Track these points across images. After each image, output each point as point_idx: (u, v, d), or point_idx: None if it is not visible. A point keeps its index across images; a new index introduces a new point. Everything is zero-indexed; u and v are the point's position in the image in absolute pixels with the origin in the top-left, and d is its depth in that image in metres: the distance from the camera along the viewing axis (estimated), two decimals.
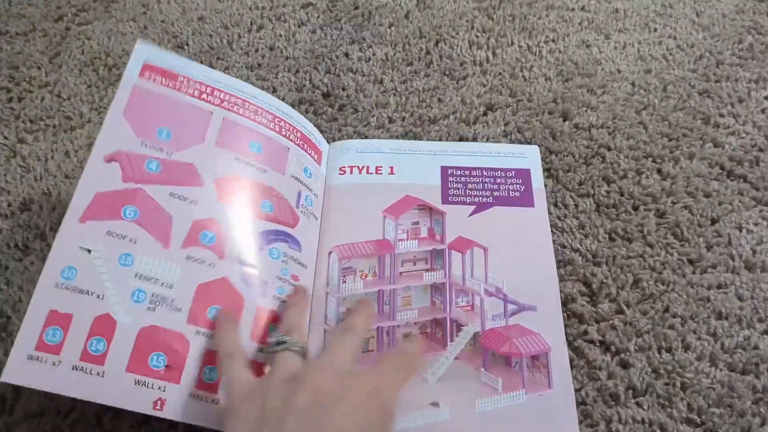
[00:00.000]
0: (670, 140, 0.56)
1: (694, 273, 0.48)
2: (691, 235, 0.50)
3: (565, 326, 0.46)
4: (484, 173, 0.53)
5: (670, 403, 0.42)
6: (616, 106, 0.59)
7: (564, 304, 0.47)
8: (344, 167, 0.53)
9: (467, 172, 0.53)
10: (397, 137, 0.57)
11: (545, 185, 0.53)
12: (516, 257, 0.48)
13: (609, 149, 0.55)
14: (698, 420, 0.41)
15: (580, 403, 0.42)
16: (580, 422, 0.41)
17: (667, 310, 0.46)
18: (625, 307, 0.46)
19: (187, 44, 0.65)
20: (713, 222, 0.51)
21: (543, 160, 0.55)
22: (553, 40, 0.64)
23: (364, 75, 0.62)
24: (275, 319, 0.43)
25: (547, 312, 0.45)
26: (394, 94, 0.61)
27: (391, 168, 0.53)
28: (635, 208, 0.52)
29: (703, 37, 0.64)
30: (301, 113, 0.59)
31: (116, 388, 0.37)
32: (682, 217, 0.51)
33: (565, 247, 0.50)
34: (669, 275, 0.48)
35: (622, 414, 0.42)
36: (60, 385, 0.37)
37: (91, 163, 0.42)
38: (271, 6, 0.68)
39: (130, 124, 0.44)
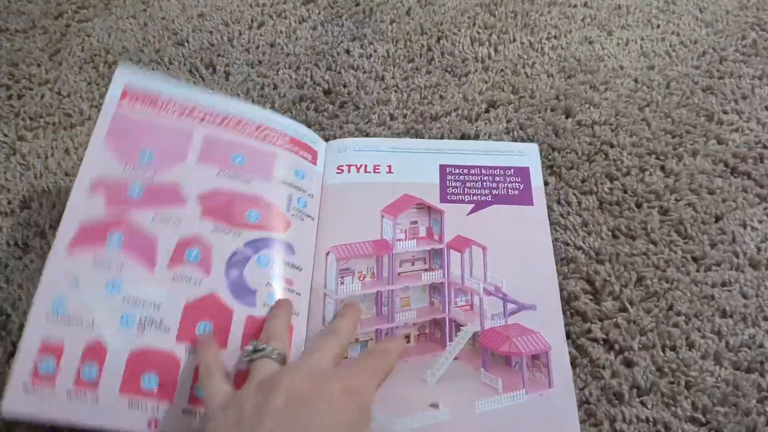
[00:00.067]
0: (673, 137, 0.56)
1: (698, 271, 0.48)
2: (695, 232, 0.49)
3: (568, 324, 0.45)
4: (483, 171, 0.52)
5: (674, 402, 0.42)
6: (618, 102, 0.58)
7: (567, 302, 0.46)
8: (342, 166, 0.53)
9: (466, 171, 0.52)
10: (398, 134, 0.57)
11: (547, 183, 0.53)
12: (515, 256, 0.47)
13: (612, 146, 0.55)
14: (703, 419, 0.41)
15: (584, 402, 0.42)
16: (584, 421, 0.41)
17: (671, 308, 0.46)
18: (628, 305, 0.46)
19: (188, 41, 0.65)
20: (717, 219, 0.50)
21: (545, 157, 0.55)
22: (555, 37, 0.64)
23: (365, 72, 0.62)
24: None
25: (546, 311, 0.45)
26: (396, 91, 0.60)
27: (389, 167, 0.53)
28: (638, 206, 0.51)
29: (706, 34, 0.64)
30: (302, 110, 0.59)
31: (111, 412, 0.38)
32: (685, 214, 0.50)
33: (568, 244, 0.49)
34: (673, 273, 0.47)
35: (626, 413, 0.41)
36: (57, 414, 0.38)
37: (75, 194, 0.43)
38: (271, 3, 0.68)
39: (111, 151, 0.45)
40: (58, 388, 0.38)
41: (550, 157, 0.55)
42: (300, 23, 0.66)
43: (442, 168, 0.53)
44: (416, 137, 0.56)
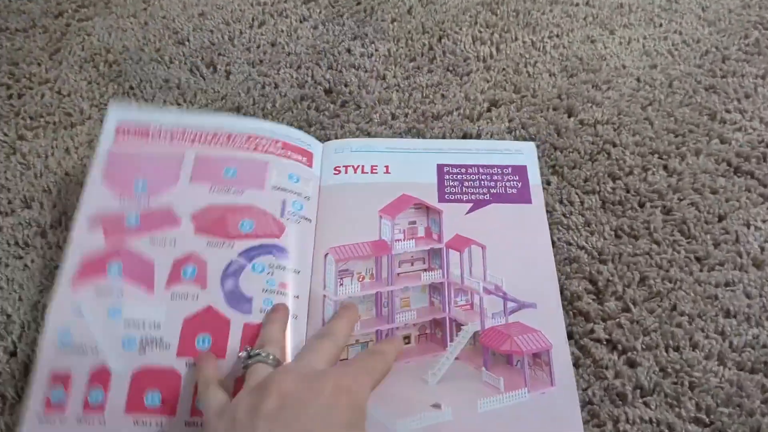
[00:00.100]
0: (676, 136, 0.55)
1: (701, 271, 0.47)
2: (698, 232, 0.49)
3: (571, 324, 0.45)
4: (481, 170, 0.52)
5: (678, 403, 0.41)
6: (621, 101, 0.58)
7: (570, 302, 0.46)
8: (339, 167, 0.52)
9: (463, 170, 0.52)
10: (400, 134, 0.57)
11: (550, 182, 0.53)
12: (514, 254, 0.47)
13: (614, 145, 0.55)
14: (707, 420, 0.41)
15: (587, 402, 0.42)
16: (587, 422, 0.41)
17: (674, 308, 0.46)
18: (631, 305, 0.46)
19: (188, 40, 0.64)
20: (720, 219, 0.50)
21: (548, 156, 0.54)
22: (557, 36, 0.64)
23: (366, 71, 0.62)
24: None
25: (547, 309, 0.45)
26: (397, 90, 0.60)
27: (387, 167, 0.52)
28: (641, 205, 0.51)
29: (708, 33, 0.63)
30: (303, 110, 0.58)
31: None
32: (688, 214, 0.50)
33: (570, 244, 0.49)
34: (676, 273, 0.47)
35: (630, 414, 0.41)
36: None
37: (76, 230, 0.46)
38: (272, 1, 0.68)
39: (108, 188, 0.48)
40: (68, 415, 0.40)
41: (552, 156, 0.54)
42: (301, 22, 0.66)
43: (440, 167, 0.52)
44: (418, 137, 0.56)
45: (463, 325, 0.45)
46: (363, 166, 0.52)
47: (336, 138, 0.56)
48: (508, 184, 0.51)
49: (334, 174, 0.52)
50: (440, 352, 0.44)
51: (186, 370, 0.41)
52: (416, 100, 0.59)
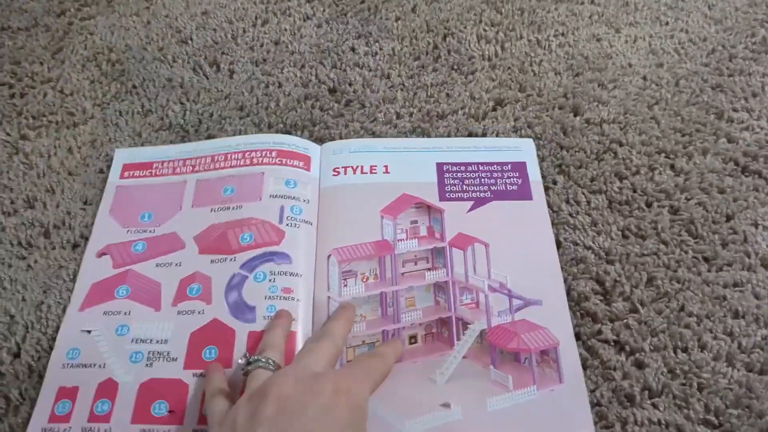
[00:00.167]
0: (683, 135, 0.55)
1: (709, 271, 0.47)
2: (705, 232, 0.49)
3: (579, 325, 0.45)
4: (480, 168, 0.52)
5: (686, 404, 0.41)
6: (627, 100, 0.58)
7: (577, 302, 0.46)
8: (338, 168, 0.52)
9: (463, 168, 0.52)
10: (405, 133, 0.56)
11: (556, 182, 0.52)
12: (518, 251, 0.47)
13: (621, 145, 0.54)
14: (716, 421, 0.40)
15: (595, 404, 0.41)
16: (595, 423, 0.41)
17: (682, 308, 0.45)
18: (639, 306, 0.45)
19: (191, 39, 0.64)
20: (728, 219, 0.50)
21: (554, 155, 0.54)
22: (562, 34, 0.63)
23: (370, 70, 0.61)
24: None
25: (552, 305, 0.45)
26: (402, 89, 0.60)
27: (386, 167, 0.52)
28: (648, 205, 0.51)
29: (715, 31, 0.63)
30: (307, 109, 0.58)
31: None
32: (696, 213, 0.50)
33: (577, 244, 0.49)
34: (684, 273, 0.47)
35: (638, 415, 0.41)
36: None
37: (86, 260, 0.48)
38: (275, 0, 0.67)
39: (116, 220, 0.50)
40: (72, 424, 0.40)
41: (558, 155, 0.54)
42: (304, 21, 0.66)
43: (439, 166, 0.52)
44: (423, 136, 0.56)
45: (469, 323, 0.45)
46: (362, 167, 0.52)
47: (341, 137, 0.56)
48: (508, 181, 0.51)
49: (334, 175, 0.52)
50: (447, 351, 0.44)
51: (194, 380, 0.42)
52: (421, 99, 0.59)
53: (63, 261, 0.49)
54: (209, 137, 0.56)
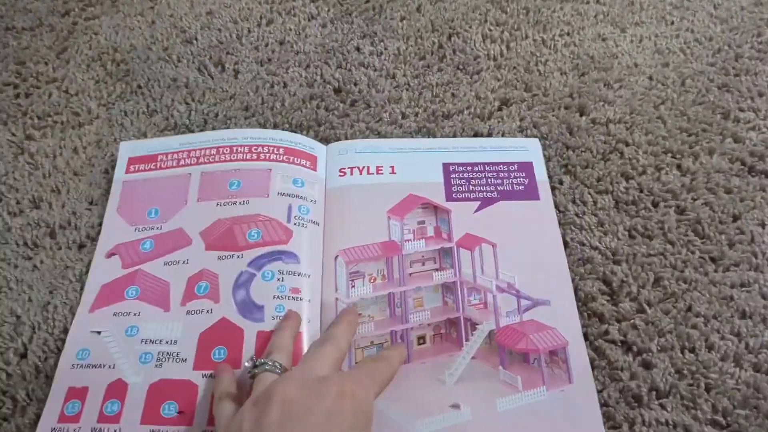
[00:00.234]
0: (689, 135, 0.55)
1: (716, 271, 0.47)
2: (712, 232, 0.49)
3: (586, 326, 0.45)
4: (487, 168, 0.52)
5: (694, 405, 0.41)
6: (633, 100, 0.57)
7: (584, 303, 0.46)
8: (344, 168, 0.52)
9: (469, 168, 0.52)
10: (410, 133, 0.56)
11: (562, 182, 0.52)
12: (525, 251, 0.47)
13: (627, 144, 0.54)
14: (723, 422, 0.40)
15: (603, 404, 0.41)
16: (603, 424, 0.41)
17: (689, 309, 0.45)
18: (646, 306, 0.45)
19: (196, 39, 0.64)
20: (735, 219, 0.50)
21: (560, 155, 0.54)
22: (568, 34, 0.63)
23: (376, 70, 0.61)
24: None
25: (561, 305, 0.45)
26: (407, 89, 0.59)
27: (392, 167, 0.52)
28: (655, 205, 0.51)
29: (721, 30, 0.63)
30: (312, 109, 0.58)
31: None
32: (703, 213, 0.50)
33: (584, 244, 0.49)
34: (691, 273, 0.47)
35: (646, 416, 0.41)
36: None
37: (95, 260, 0.48)
38: (280, 0, 0.67)
39: (123, 218, 0.50)
40: (82, 424, 0.40)
41: (564, 155, 0.54)
42: (309, 20, 0.66)
43: (446, 166, 0.52)
44: (428, 136, 0.56)
45: (477, 324, 0.45)
46: (368, 167, 0.52)
47: (346, 137, 0.56)
48: (515, 181, 0.51)
49: (340, 176, 0.52)
50: (456, 351, 0.44)
51: (203, 381, 0.42)
52: (426, 99, 0.59)
53: (69, 261, 0.49)
54: None
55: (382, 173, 0.52)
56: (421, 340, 0.45)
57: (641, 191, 0.51)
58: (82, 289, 0.47)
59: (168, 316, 0.45)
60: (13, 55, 0.63)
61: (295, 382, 0.35)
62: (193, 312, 0.44)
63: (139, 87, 0.60)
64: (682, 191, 0.51)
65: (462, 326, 0.45)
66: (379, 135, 0.56)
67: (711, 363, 0.43)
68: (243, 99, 0.59)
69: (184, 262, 0.47)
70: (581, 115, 0.57)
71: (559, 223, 0.50)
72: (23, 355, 0.45)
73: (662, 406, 0.41)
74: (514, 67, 0.61)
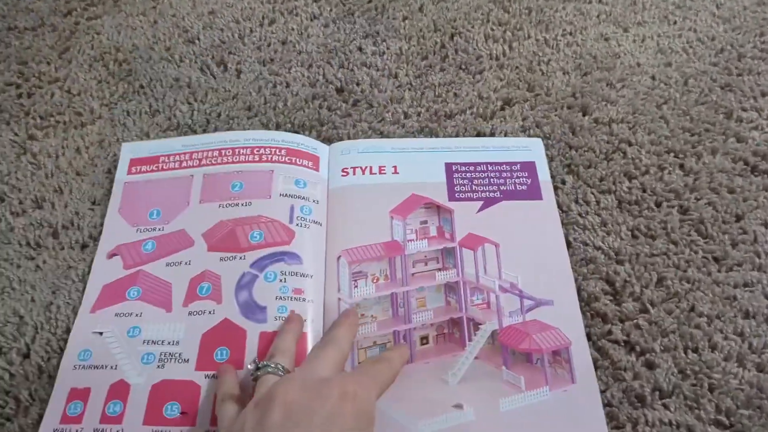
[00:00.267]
0: (692, 135, 0.55)
1: (719, 271, 0.47)
2: (715, 232, 0.49)
3: (589, 326, 0.45)
4: (490, 168, 0.52)
5: (697, 405, 0.41)
6: (636, 100, 0.57)
7: (587, 303, 0.46)
8: (347, 168, 0.52)
9: (472, 168, 0.52)
10: (413, 133, 0.56)
11: (565, 182, 0.52)
12: (528, 251, 0.47)
13: (630, 144, 0.54)
14: (727, 422, 0.40)
15: (606, 404, 0.41)
16: (606, 424, 0.40)
17: (692, 309, 0.45)
18: (649, 306, 0.45)
19: (198, 39, 0.64)
20: (738, 219, 0.50)
21: (562, 155, 0.54)
22: (570, 33, 0.63)
23: (378, 69, 0.61)
24: None
25: (564, 305, 0.45)
26: (409, 89, 0.59)
27: (395, 167, 0.52)
28: (658, 205, 0.51)
29: (723, 30, 0.63)
30: (315, 109, 0.58)
31: None
32: (706, 213, 0.50)
33: (587, 244, 0.49)
34: (694, 273, 0.47)
35: (649, 416, 0.41)
36: None
37: (96, 261, 0.48)
38: None
39: (124, 219, 0.50)
40: (84, 425, 0.40)
41: (567, 155, 0.54)
42: (311, 20, 0.66)
43: (448, 166, 0.52)
44: (431, 136, 0.56)
45: (480, 324, 0.45)
46: (371, 167, 0.52)
47: (349, 137, 0.56)
48: (517, 180, 0.51)
49: (342, 176, 0.52)
50: (459, 352, 0.44)
51: (206, 381, 0.42)
52: (429, 98, 0.59)
53: (72, 261, 0.49)
54: None
55: (384, 173, 0.52)
56: (424, 340, 0.45)
57: (644, 191, 0.51)
58: (84, 289, 0.47)
59: (170, 316, 0.45)
60: (15, 54, 0.63)
61: (296, 383, 0.35)
62: (195, 313, 0.44)
63: (142, 87, 0.60)
64: (685, 191, 0.51)
65: (465, 326, 0.45)
66: (382, 135, 0.56)
67: (714, 363, 0.43)
68: (245, 99, 0.59)
69: (186, 263, 0.47)
70: (584, 115, 0.57)
71: (562, 223, 0.49)
72: (26, 355, 0.45)
73: (665, 406, 0.41)
74: (517, 67, 0.61)
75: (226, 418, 0.36)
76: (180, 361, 0.42)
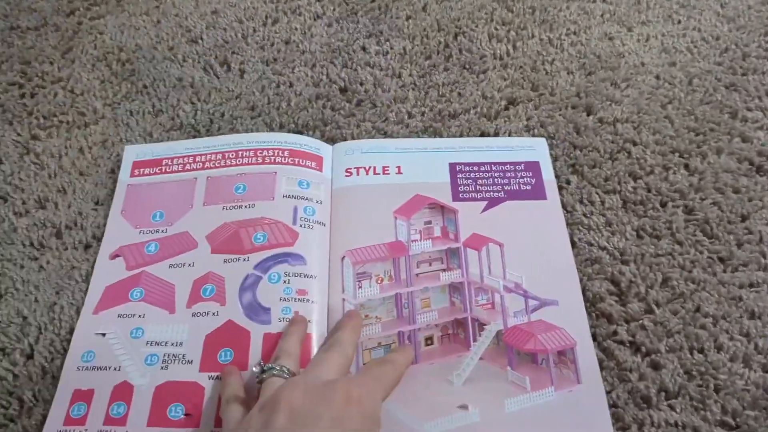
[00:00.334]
0: (697, 135, 0.55)
1: (725, 271, 0.47)
2: (720, 232, 0.49)
3: (594, 326, 0.45)
4: (494, 168, 0.52)
5: (703, 406, 0.41)
6: (640, 99, 0.57)
7: (592, 303, 0.46)
8: (350, 169, 0.52)
9: (476, 168, 0.52)
10: (416, 133, 0.56)
11: (569, 181, 0.52)
12: (533, 251, 0.47)
13: (635, 144, 0.54)
14: (733, 423, 0.40)
15: (611, 405, 0.41)
16: (612, 425, 0.40)
17: (698, 309, 0.45)
18: (654, 307, 0.45)
19: (201, 38, 0.64)
20: (743, 219, 0.49)
21: (567, 155, 0.54)
22: (574, 33, 0.63)
23: (382, 69, 0.61)
24: None
25: (569, 305, 0.45)
26: (413, 89, 0.59)
27: (398, 167, 0.52)
28: (663, 205, 0.51)
29: (728, 29, 0.63)
30: (318, 108, 0.58)
31: None
32: (711, 213, 0.49)
33: (592, 245, 0.49)
34: (699, 274, 0.46)
35: (655, 417, 0.40)
36: None
37: (99, 262, 0.48)
38: None
39: (127, 220, 0.50)
40: (88, 427, 0.40)
41: (571, 155, 0.54)
42: (315, 20, 0.66)
43: (452, 166, 0.52)
44: (435, 135, 0.56)
45: (485, 324, 0.44)
46: (375, 168, 0.52)
47: (352, 137, 0.55)
48: (521, 180, 0.51)
49: (346, 176, 0.52)
50: (464, 352, 0.43)
51: (210, 383, 0.41)
52: (432, 98, 0.58)
53: (75, 262, 0.49)
54: None
55: (388, 173, 0.52)
56: (429, 340, 0.45)
57: (649, 191, 0.51)
58: (88, 289, 0.47)
59: (173, 318, 0.45)
60: (18, 54, 0.63)
61: (301, 387, 0.34)
62: (198, 314, 0.44)
63: (145, 87, 0.60)
64: (690, 191, 0.51)
65: (470, 327, 0.45)
66: (386, 135, 0.56)
67: (720, 364, 0.42)
68: (249, 99, 0.59)
69: (189, 265, 0.47)
70: (588, 115, 0.57)
71: (567, 223, 0.49)
72: (30, 356, 0.45)
73: (671, 407, 0.41)
74: (521, 67, 0.60)
75: (231, 421, 0.36)
76: (184, 362, 0.42)
